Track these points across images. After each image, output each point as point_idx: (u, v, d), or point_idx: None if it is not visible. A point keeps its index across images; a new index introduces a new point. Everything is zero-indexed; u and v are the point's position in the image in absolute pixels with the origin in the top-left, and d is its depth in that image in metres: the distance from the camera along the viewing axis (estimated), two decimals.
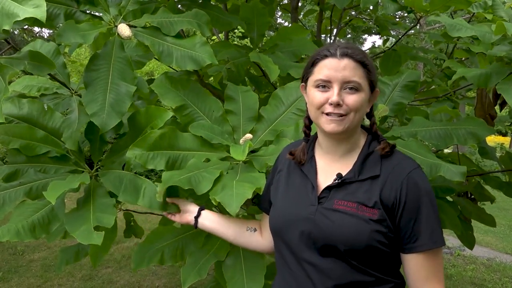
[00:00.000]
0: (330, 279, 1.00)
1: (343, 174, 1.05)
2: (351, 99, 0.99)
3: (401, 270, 1.08)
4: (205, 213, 1.31)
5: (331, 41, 3.19)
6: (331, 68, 0.99)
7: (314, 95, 1.03)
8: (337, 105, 0.99)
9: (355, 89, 1.00)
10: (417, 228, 0.98)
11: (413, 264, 1.00)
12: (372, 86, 1.05)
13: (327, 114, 1.01)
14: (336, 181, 1.04)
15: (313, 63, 1.05)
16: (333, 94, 0.99)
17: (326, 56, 1.01)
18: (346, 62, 0.99)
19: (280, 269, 1.13)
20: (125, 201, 1.36)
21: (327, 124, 1.01)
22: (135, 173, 1.42)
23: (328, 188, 1.05)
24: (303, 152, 1.14)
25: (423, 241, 0.98)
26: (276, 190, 1.17)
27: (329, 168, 1.09)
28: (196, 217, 1.30)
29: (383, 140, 1.07)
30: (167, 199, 1.34)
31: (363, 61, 1.00)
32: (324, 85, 1.01)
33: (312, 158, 1.13)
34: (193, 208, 1.31)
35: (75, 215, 1.29)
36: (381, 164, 1.03)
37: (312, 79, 1.04)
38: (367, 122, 1.14)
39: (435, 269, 1.00)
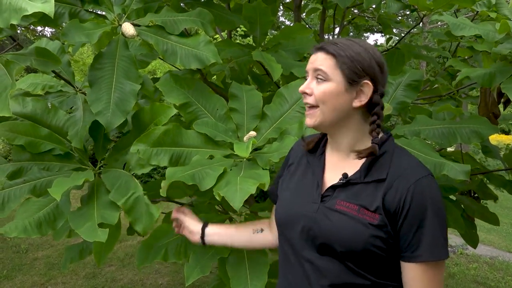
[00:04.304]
0: (325, 278, 0.99)
1: (349, 174, 1.03)
2: (317, 88, 1.01)
3: None
4: (210, 229, 1.31)
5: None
6: (309, 62, 1.05)
7: None
8: (305, 93, 1.03)
9: (323, 79, 1.01)
10: (418, 238, 0.94)
11: (410, 274, 0.96)
12: (352, 78, 0.99)
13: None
14: (341, 181, 1.03)
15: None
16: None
17: (310, 54, 1.07)
18: (318, 54, 1.03)
19: (282, 265, 1.12)
20: (114, 200, 1.35)
21: (305, 118, 1.06)
22: (134, 174, 1.42)
23: (333, 187, 1.03)
24: (314, 142, 1.15)
25: (422, 252, 0.94)
26: (284, 183, 1.17)
27: (337, 166, 1.07)
28: (202, 237, 1.30)
29: (373, 144, 1.01)
30: (172, 215, 1.35)
31: (332, 51, 1.00)
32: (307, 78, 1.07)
33: (322, 155, 1.12)
34: (196, 229, 1.31)
35: (79, 212, 1.30)
36: (389, 168, 0.99)
37: None
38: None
39: (433, 283, 0.95)
